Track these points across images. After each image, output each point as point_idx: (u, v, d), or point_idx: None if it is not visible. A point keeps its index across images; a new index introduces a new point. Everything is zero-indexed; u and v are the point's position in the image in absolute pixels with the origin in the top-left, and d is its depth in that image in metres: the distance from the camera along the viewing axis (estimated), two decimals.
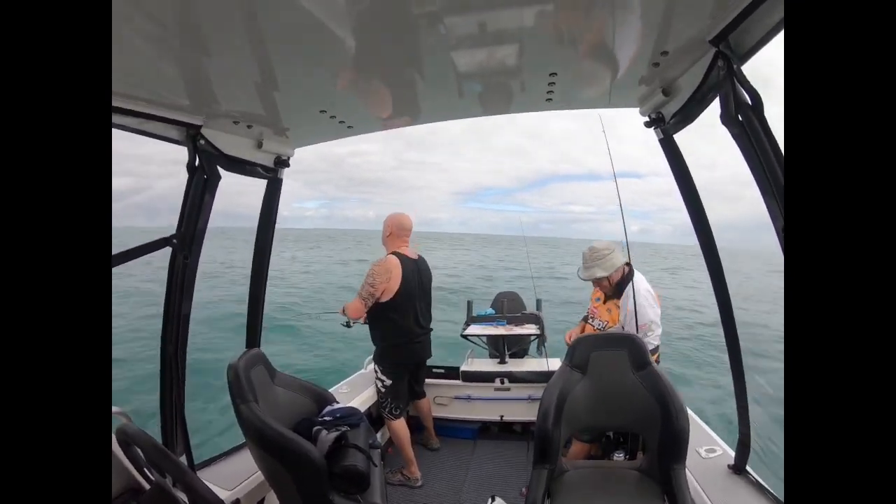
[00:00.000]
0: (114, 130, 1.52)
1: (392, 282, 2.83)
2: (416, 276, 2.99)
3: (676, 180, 1.85)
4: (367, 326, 3.07)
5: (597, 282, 2.71)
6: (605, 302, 2.82)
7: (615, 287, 2.64)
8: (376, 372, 3.06)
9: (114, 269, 1.18)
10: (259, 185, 2.23)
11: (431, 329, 3.21)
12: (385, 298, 2.85)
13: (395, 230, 2.99)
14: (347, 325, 3.05)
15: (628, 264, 2.65)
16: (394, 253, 2.94)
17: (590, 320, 2.90)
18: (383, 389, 3.02)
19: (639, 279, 2.57)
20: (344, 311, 2.95)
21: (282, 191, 2.30)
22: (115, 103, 1.40)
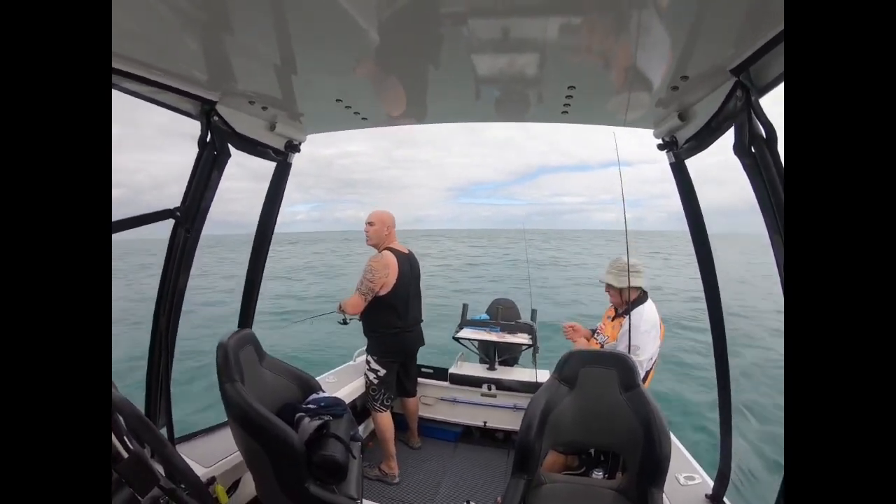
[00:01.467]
0: (130, 98, 1.53)
1: (391, 276, 2.91)
2: (409, 269, 3.08)
3: (683, 205, 1.85)
4: (357, 324, 3.12)
5: (607, 288, 2.78)
6: (613, 319, 2.86)
7: (625, 305, 2.67)
8: (369, 363, 3.06)
9: None
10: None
11: (422, 320, 3.28)
12: (383, 292, 2.92)
13: (391, 226, 3.06)
14: (344, 322, 3.10)
15: (645, 291, 2.71)
16: (388, 248, 3.00)
17: (596, 335, 2.95)
18: (376, 381, 3.02)
19: (648, 307, 2.62)
20: (341, 308, 2.99)
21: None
22: (132, 70, 1.41)
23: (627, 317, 2.57)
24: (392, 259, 2.94)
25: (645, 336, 2.52)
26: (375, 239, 3.02)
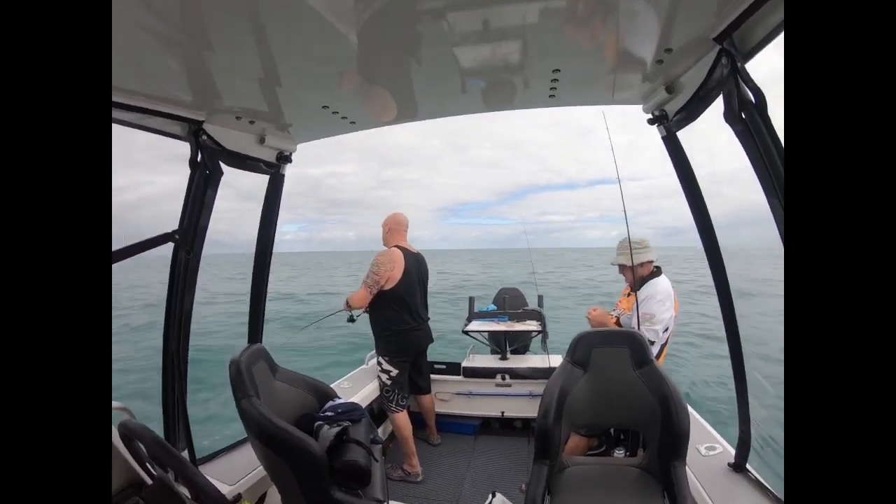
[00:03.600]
0: (115, 126, 1.52)
1: (396, 270, 2.99)
2: (416, 267, 3.14)
3: (679, 177, 1.84)
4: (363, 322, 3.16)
5: (621, 269, 2.84)
6: (629, 295, 2.91)
7: (639, 281, 2.73)
8: (380, 364, 3.08)
9: None
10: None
11: (429, 319, 3.33)
12: (389, 287, 2.98)
13: (394, 226, 3.18)
14: (351, 319, 3.13)
15: (657, 266, 2.77)
16: (396, 246, 3.08)
17: (613, 310, 3.00)
18: (389, 381, 3.05)
19: (662, 279, 2.72)
20: (348, 304, 3.05)
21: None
22: (117, 98, 1.40)
23: (642, 289, 2.64)
24: (398, 255, 3.02)
25: (659, 305, 2.59)
26: (382, 239, 3.19)
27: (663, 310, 2.58)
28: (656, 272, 2.75)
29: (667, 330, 2.61)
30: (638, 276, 2.73)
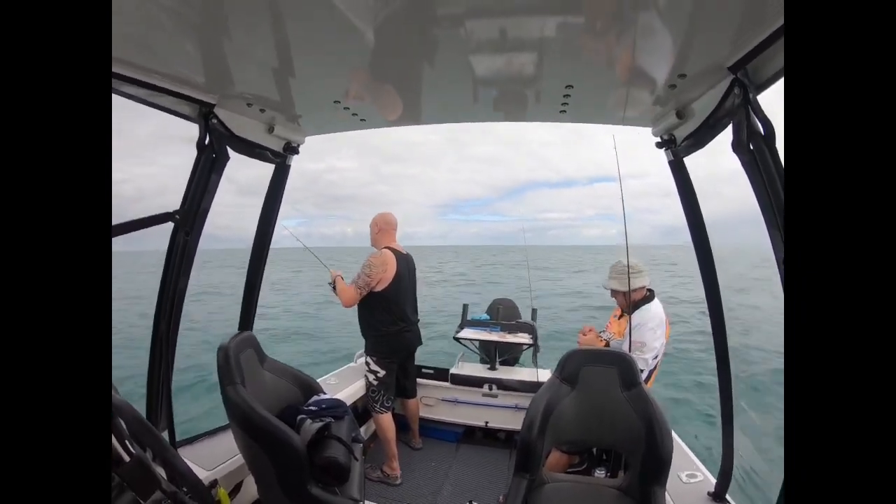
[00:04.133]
0: (126, 101, 1.52)
1: (388, 272, 2.99)
2: (406, 269, 3.14)
3: (682, 203, 1.85)
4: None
5: (613, 293, 2.80)
6: (619, 318, 2.88)
7: (631, 305, 2.68)
8: (368, 364, 3.07)
9: None
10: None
11: (419, 320, 3.33)
12: (379, 288, 2.98)
13: (383, 226, 3.18)
14: (333, 286, 3.14)
15: (650, 290, 2.72)
16: (387, 248, 3.08)
17: (602, 333, 2.96)
18: (376, 382, 3.04)
19: (654, 305, 2.66)
20: (335, 283, 3.07)
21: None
22: (130, 74, 1.41)
23: (631, 316, 2.58)
24: (391, 257, 3.02)
25: (651, 333, 2.55)
26: (371, 239, 3.20)
27: (654, 338, 2.55)
28: (649, 296, 2.70)
29: (656, 357, 2.59)
30: (630, 300, 2.67)
